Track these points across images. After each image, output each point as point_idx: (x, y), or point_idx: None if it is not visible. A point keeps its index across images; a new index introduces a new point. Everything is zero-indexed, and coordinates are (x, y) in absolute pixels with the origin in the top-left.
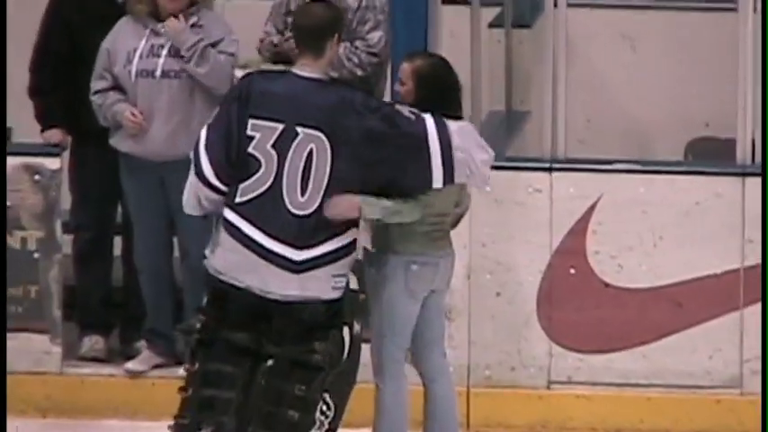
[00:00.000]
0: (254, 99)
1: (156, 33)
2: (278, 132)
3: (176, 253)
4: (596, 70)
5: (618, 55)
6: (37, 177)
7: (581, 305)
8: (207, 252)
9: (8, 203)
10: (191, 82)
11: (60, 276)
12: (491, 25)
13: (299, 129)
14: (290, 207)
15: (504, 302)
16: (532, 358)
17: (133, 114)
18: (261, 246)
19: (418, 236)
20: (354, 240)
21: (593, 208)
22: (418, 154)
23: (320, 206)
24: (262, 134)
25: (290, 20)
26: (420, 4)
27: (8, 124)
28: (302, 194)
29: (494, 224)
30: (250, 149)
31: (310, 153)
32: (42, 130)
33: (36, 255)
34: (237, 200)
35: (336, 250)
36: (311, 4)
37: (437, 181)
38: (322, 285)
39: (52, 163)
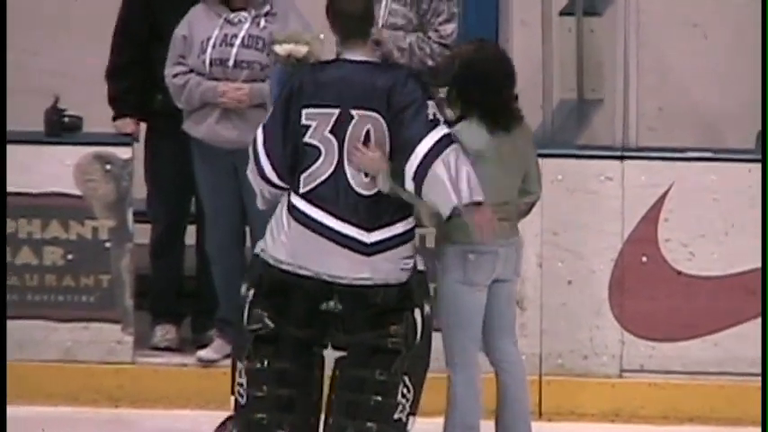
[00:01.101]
0: (305, 90)
1: (229, 22)
2: (334, 118)
3: (248, 242)
4: (667, 58)
5: (689, 42)
6: (108, 167)
7: (653, 293)
8: (263, 243)
9: (80, 193)
10: (263, 72)
11: (132, 266)
12: (562, 13)
13: (353, 111)
14: (357, 188)
15: (576, 291)
16: (604, 347)
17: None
18: (332, 230)
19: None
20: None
21: (664, 196)
22: (407, 150)
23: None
24: (317, 122)
25: None
26: None
27: (80, 114)
28: (366, 175)
29: (565, 213)
30: (306, 139)
31: (368, 133)
32: (114, 119)
33: (108, 244)
34: (302, 190)
35: (405, 233)
36: None
37: (408, 180)
38: (392, 268)
39: (124, 152)
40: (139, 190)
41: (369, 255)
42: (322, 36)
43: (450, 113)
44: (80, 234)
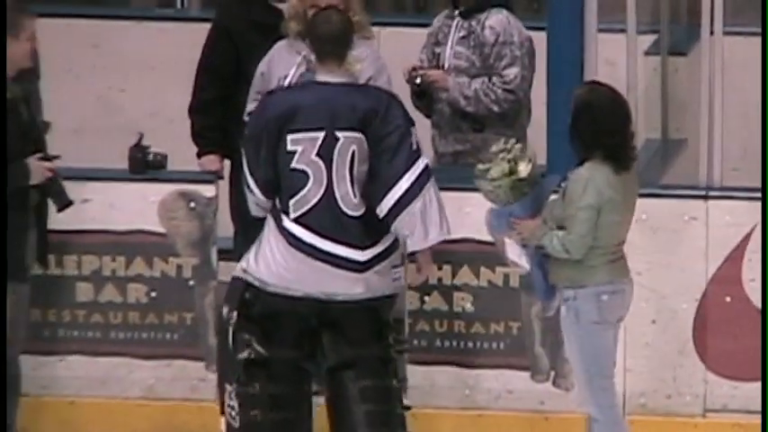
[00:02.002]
0: (287, 115)
1: (309, 60)
2: (320, 141)
3: None
4: (752, 98)
5: None
6: (192, 205)
7: (737, 333)
8: (244, 264)
9: (164, 231)
10: None
11: (215, 303)
12: (647, 53)
13: (338, 134)
14: (346, 210)
15: (660, 330)
16: (688, 386)
17: None
18: (326, 252)
19: (603, 266)
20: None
21: (748, 236)
22: (389, 182)
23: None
24: (303, 146)
25: (437, 50)
26: (575, 32)
27: (164, 151)
28: (355, 196)
29: (649, 252)
30: (294, 164)
31: (353, 154)
32: (199, 155)
33: (191, 282)
34: (293, 215)
35: (392, 244)
36: (327, 13)
37: (382, 210)
38: (385, 280)
39: (208, 190)
40: (223, 227)
41: (363, 272)
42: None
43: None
44: (164, 271)
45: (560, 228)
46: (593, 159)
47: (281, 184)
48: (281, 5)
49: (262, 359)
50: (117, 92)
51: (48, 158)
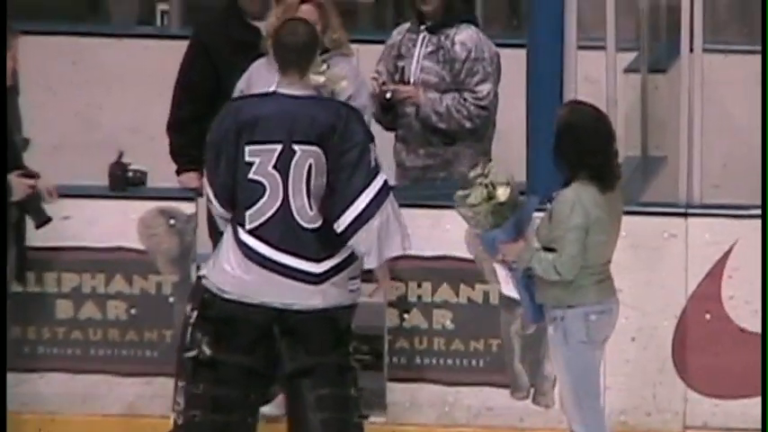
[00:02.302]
0: (246, 126)
1: None
2: (277, 153)
3: None
4: (732, 115)
5: (754, 100)
6: (172, 222)
7: (716, 350)
8: (205, 268)
9: (143, 248)
10: None
11: None
12: (627, 70)
13: (296, 147)
14: (302, 223)
15: (640, 347)
16: (668, 403)
17: None
18: (281, 264)
19: (591, 286)
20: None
21: (728, 253)
22: (347, 198)
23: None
24: (261, 158)
25: (399, 63)
26: (555, 49)
27: (144, 168)
28: (311, 209)
29: (629, 269)
30: (251, 175)
31: (310, 167)
32: (178, 173)
33: (171, 299)
34: (249, 226)
35: (349, 256)
36: (293, 23)
37: (340, 226)
38: (342, 291)
39: (188, 207)
40: (203, 244)
41: (318, 284)
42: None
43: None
44: (144, 288)
45: (547, 249)
46: (579, 180)
47: (238, 195)
48: (259, 23)
49: (209, 360)
50: (96, 108)
51: (28, 175)
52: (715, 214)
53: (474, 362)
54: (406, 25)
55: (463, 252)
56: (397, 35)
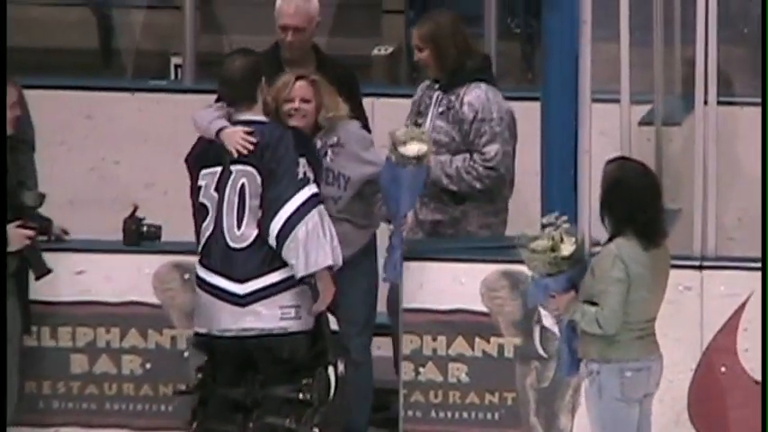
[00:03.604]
0: (202, 152)
1: None
2: (218, 175)
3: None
4: (747, 168)
5: None
6: (186, 276)
7: (732, 403)
8: None
9: (158, 302)
10: (336, 205)
11: None
12: (641, 123)
13: (232, 167)
14: (229, 242)
15: (656, 401)
16: None
17: None
18: (213, 285)
19: (629, 342)
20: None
21: (743, 306)
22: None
23: (258, 237)
24: (207, 181)
25: (419, 120)
26: (569, 103)
27: (158, 223)
28: (239, 228)
29: None
30: (200, 199)
31: (242, 187)
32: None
33: (186, 353)
34: (198, 249)
35: (280, 282)
36: (230, 57)
37: (270, 238)
38: (270, 315)
39: None
40: None
41: (244, 306)
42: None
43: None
44: (158, 343)
45: (588, 303)
46: (623, 235)
47: (197, 220)
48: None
49: (205, 398)
50: (111, 163)
51: (27, 227)
52: (730, 266)
53: (489, 415)
54: (427, 81)
55: (478, 306)
56: (419, 91)
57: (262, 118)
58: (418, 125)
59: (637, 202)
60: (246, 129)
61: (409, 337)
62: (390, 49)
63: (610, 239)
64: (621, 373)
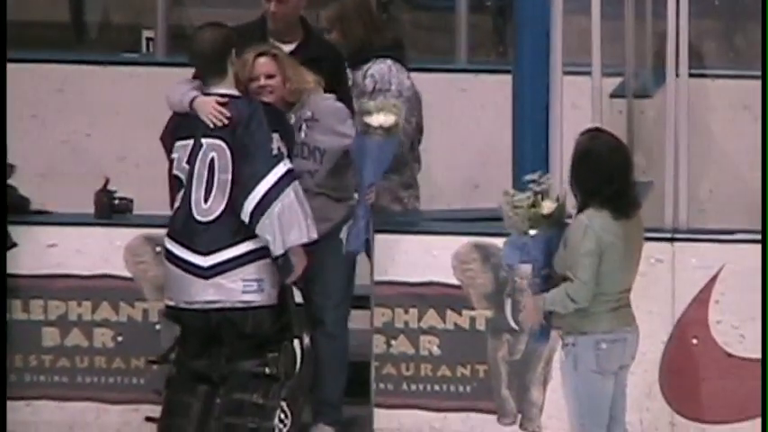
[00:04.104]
0: (176, 125)
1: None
2: (189, 148)
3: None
4: (718, 140)
5: (739, 125)
6: (158, 249)
7: (703, 375)
8: None
9: (130, 275)
10: (313, 179)
11: None
12: (613, 95)
13: (203, 140)
14: (195, 215)
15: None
16: (655, 429)
17: None
18: (176, 256)
19: (604, 314)
20: (265, 246)
21: (715, 278)
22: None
23: (224, 211)
24: (179, 154)
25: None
26: (541, 75)
27: (130, 196)
28: (205, 201)
29: None
30: (174, 171)
31: (212, 161)
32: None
33: (158, 326)
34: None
35: (242, 255)
36: (200, 30)
37: (245, 215)
38: (233, 288)
39: None
40: None
41: (206, 278)
42: (399, 103)
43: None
44: (130, 316)
45: (564, 279)
46: (593, 206)
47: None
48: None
49: (176, 370)
50: (83, 136)
51: None
52: (702, 239)
53: (461, 388)
54: None
55: (450, 278)
56: None
57: (233, 92)
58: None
59: (605, 174)
60: (219, 99)
61: (381, 310)
62: None
63: (579, 210)
64: (597, 344)
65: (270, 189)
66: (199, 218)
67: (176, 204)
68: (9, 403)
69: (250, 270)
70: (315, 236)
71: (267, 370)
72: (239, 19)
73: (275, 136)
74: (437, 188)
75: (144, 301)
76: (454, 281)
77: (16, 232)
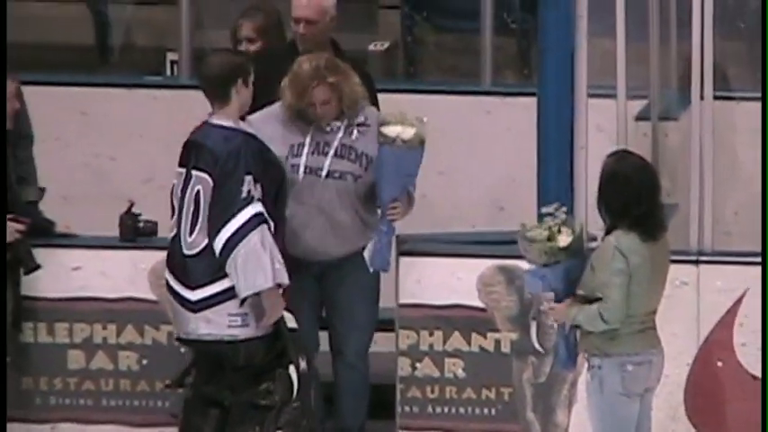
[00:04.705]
0: (183, 150)
1: (320, 130)
2: (182, 178)
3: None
4: (744, 162)
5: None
6: None
7: (728, 398)
8: None
9: (155, 298)
10: (356, 182)
11: None
12: (638, 118)
13: (193, 172)
14: (183, 248)
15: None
16: None
17: None
18: (171, 288)
19: (630, 336)
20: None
21: (740, 301)
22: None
23: (207, 245)
24: (177, 181)
25: None
26: (566, 97)
27: (155, 219)
28: (191, 234)
29: None
30: (172, 197)
31: (198, 194)
32: None
33: (183, 350)
34: None
35: (226, 290)
36: (213, 53)
37: (216, 253)
38: (220, 323)
39: None
40: None
41: (196, 311)
42: (426, 119)
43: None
44: (155, 339)
45: (589, 301)
46: (621, 228)
47: None
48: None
49: (191, 395)
50: (106, 159)
51: (18, 221)
52: (726, 261)
53: (486, 410)
54: None
55: (475, 301)
56: None
57: (229, 123)
58: None
59: (633, 195)
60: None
61: (406, 333)
62: (386, 45)
63: (607, 232)
64: (623, 366)
65: (236, 231)
66: (185, 251)
67: (171, 234)
68: (34, 426)
69: (234, 305)
70: (284, 281)
71: (262, 400)
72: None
73: (248, 178)
74: (462, 210)
75: (169, 324)
76: (479, 303)
77: (41, 255)
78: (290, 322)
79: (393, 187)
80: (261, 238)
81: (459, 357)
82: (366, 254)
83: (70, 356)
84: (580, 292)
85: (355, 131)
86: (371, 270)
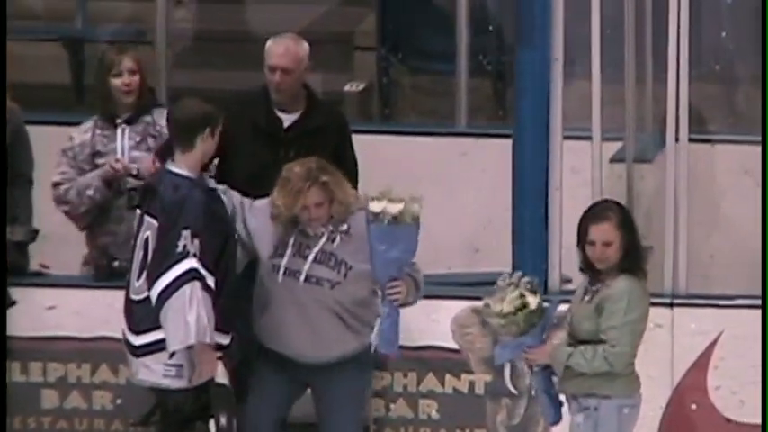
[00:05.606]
0: (141, 192)
1: (302, 233)
2: (137, 221)
3: None
4: (719, 205)
5: (740, 190)
6: None
7: None
8: None
9: None
10: (333, 291)
11: None
12: (612, 160)
13: (145, 217)
14: (131, 292)
15: None
16: None
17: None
18: (123, 331)
19: (627, 377)
20: None
21: (714, 343)
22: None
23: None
24: (137, 224)
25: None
26: (541, 140)
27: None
28: (138, 279)
29: None
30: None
31: (147, 240)
32: None
33: None
34: None
35: (164, 339)
36: (185, 100)
37: (152, 297)
38: (155, 372)
39: None
40: None
41: (137, 357)
42: (420, 195)
43: None
44: (129, 378)
45: (582, 342)
46: (630, 273)
47: None
48: (283, 115)
49: None
50: None
51: None
52: (701, 304)
53: None
54: None
55: (449, 342)
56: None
57: (183, 171)
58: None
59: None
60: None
61: (380, 374)
62: (362, 86)
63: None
64: (620, 409)
65: (168, 285)
66: (132, 295)
67: (127, 276)
68: None
69: (167, 355)
70: (206, 339)
71: None
72: (239, 81)
73: (185, 233)
74: (437, 252)
75: None
76: (453, 345)
77: (15, 294)
78: (220, 378)
79: (386, 266)
80: (189, 295)
81: (434, 398)
82: (372, 337)
83: (44, 396)
84: (564, 333)
85: (338, 238)
86: (375, 351)
